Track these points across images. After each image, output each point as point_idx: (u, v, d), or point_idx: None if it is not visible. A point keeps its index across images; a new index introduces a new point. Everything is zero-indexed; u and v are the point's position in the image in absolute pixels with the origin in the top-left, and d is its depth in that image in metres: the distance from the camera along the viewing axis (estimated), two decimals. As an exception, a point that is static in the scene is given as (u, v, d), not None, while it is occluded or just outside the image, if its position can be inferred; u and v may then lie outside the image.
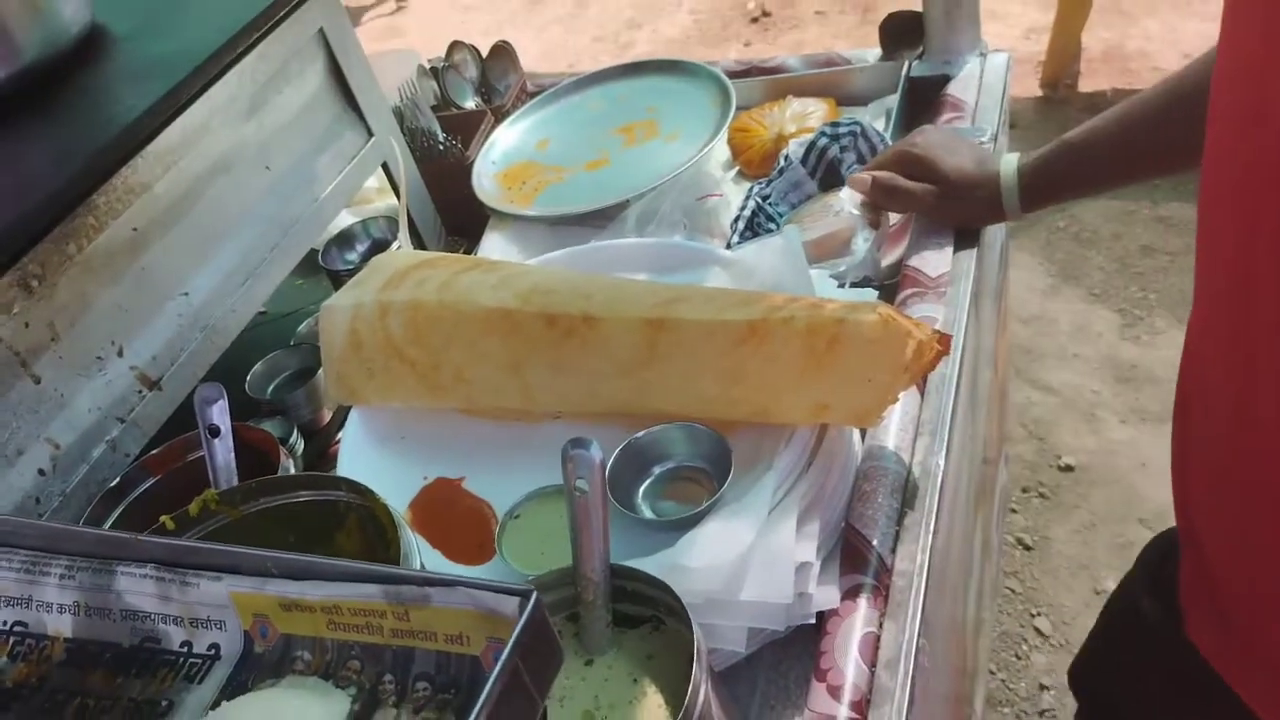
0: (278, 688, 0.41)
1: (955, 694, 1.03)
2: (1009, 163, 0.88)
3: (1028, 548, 1.86)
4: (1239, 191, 0.56)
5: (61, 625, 0.47)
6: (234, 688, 0.43)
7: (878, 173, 0.93)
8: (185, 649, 0.45)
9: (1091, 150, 0.85)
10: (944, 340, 0.66)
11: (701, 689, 0.51)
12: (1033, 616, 1.75)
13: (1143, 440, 2.01)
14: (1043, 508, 1.93)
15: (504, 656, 0.36)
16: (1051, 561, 1.83)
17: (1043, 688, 1.65)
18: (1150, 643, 0.81)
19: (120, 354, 0.76)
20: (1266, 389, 0.57)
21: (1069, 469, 1.98)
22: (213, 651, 0.44)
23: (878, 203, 0.94)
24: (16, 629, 0.47)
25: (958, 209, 0.91)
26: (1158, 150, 0.83)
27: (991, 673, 1.66)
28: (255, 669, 0.43)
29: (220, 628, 0.44)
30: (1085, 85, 2.98)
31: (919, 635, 0.65)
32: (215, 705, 0.42)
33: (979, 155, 0.91)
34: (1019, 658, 1.69)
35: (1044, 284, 2.42)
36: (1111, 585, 1.76)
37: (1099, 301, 2.34)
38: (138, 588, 0.45)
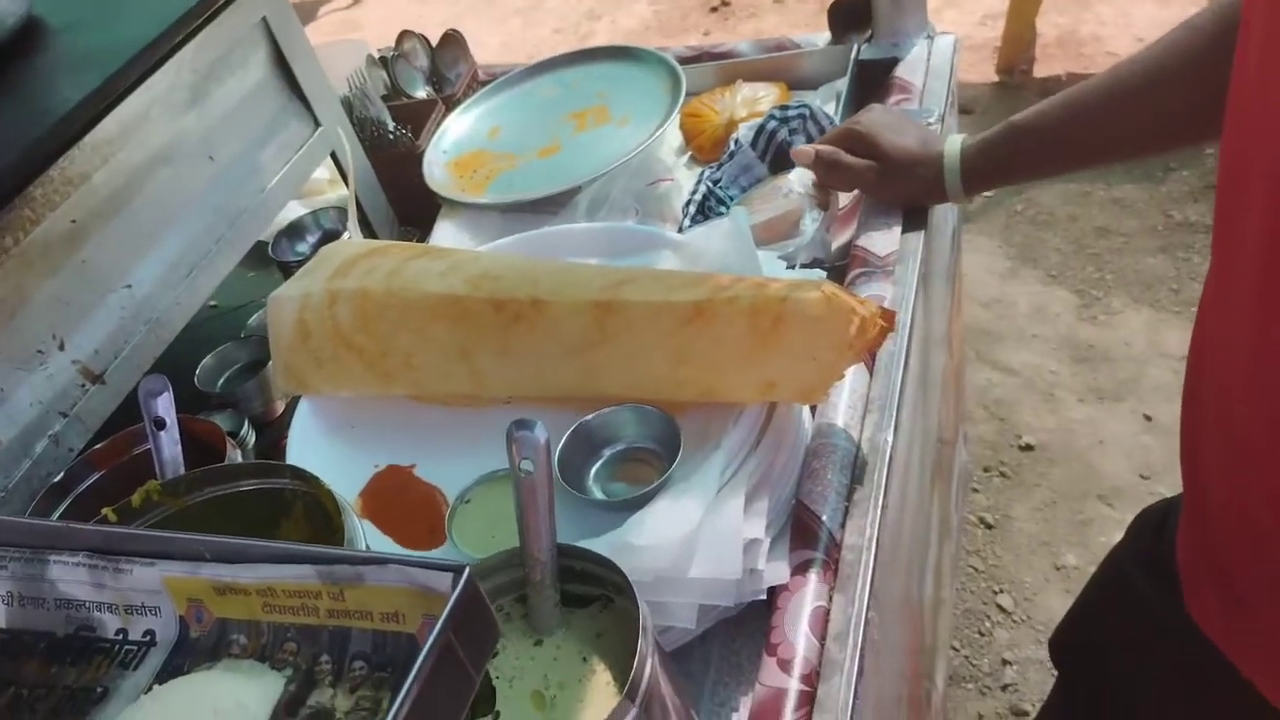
0: (213, 670, 0.41)
1: (913, 670, 1.04)
2: (953, 143, 0.88)
3: (989, 526, 1.88)
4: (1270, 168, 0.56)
5: (-6, 616, 0.46)
6: (169, 673, 0.42)
7: (821, 147, 0.94)
8: (120, 636, 0.44)
9: (1036, 135, 0.85)
10: (888, 317, 0.67)
11: (648, 662, 0.51)
12: (995, 594, 1.77)
13: (1100, 418, 2.03)
14: (1004, 486, 1.95)
15: (436, 631, 0.36)
16: (1013, 539, 1.86)
17: (1005, 663, 1.67)
18: (1141, 615, 0.82)
19: (61, 347, 0.75)
20: None
21: (1029, 448, 2.01)
22: (148, 638, 0.44)
23: (820, 178, 0.95)
24: (-51, 622, 0.47)
25: (898, 186, 0.92)
26: (1101, 139, 0.83)
27: (955, 649, 1.68)
28: (191, 654, 0.43)
29: (155, 614, 0.44)
30: (1040, 70, 3.01)
31: (868, 608, 0.65)
32: (149, 691, 0.41)
33: (924, 135, 0.91)
34: (981, 634, 1.71)
35: (1002, 267, 2.44)
36: (1072, 561, 1.79)
37: (1056, 283, 2.36)
38: (71, 576, 0.45)
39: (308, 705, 0.39)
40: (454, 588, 0.37)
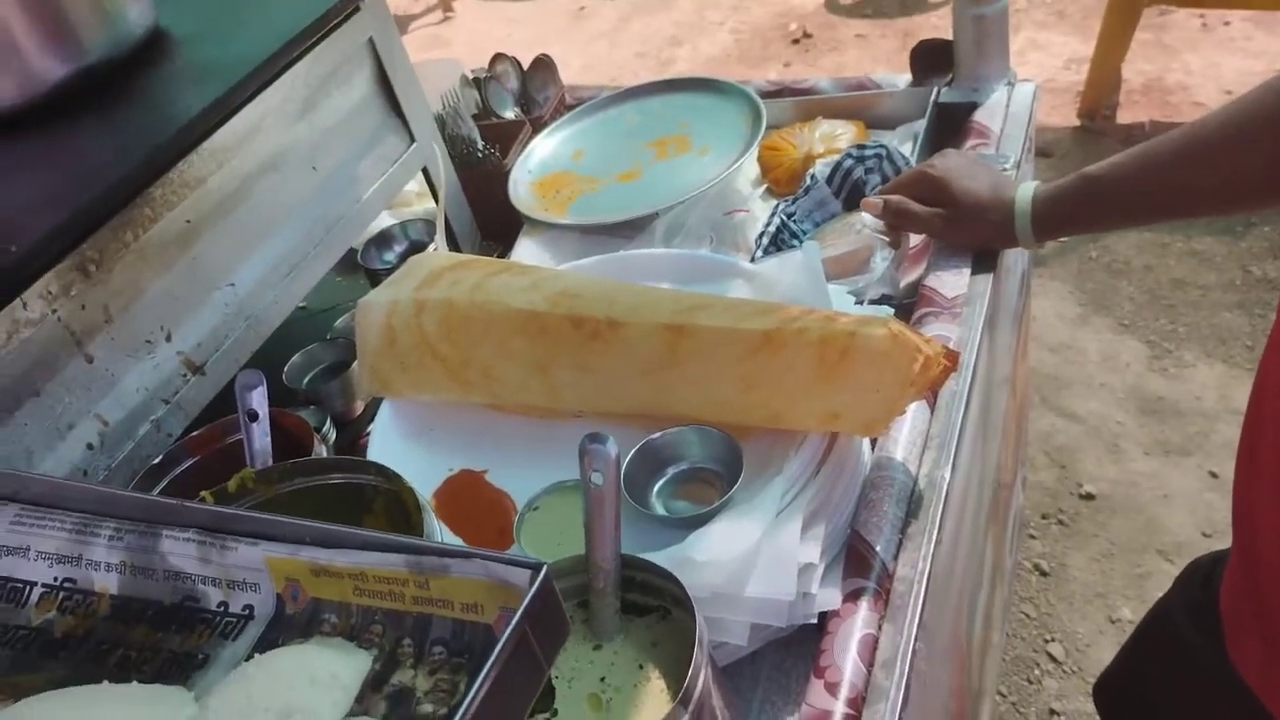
0: (308, 644, 0.44)
1: (958, 710, 1.05)
2: (1025, 190, 0.90)
3: (1044, 574, 1.87)
4: None
5: (108, 582, 0.50)
6: (265, 645, 0.46)
7: (889, 196, 0.96)
8: (222, 608, 0.48)
9: (1109, 187, 0.85)
10: (952, 357, 0.69)
11: (702, 673, 0.54)
12: (1046, 642, 1.75)
13: (1165, 472, 2.01)
14: (1061, 535, 1.94)
15: (514, 621, 0.39)
16: (1068, 588, 1.84)
17: (1053, 713, 1.65)
18: (1185, 663, 0.82)
19: (168, 339, 0.80)
20: None
21: (1089, 497, 1.99)
22: (247, 612, 0.48)
23: (889, 224, 0.97)
24: (66, 585, 0.51)
25: (967, 232, 0.93)
26: (1176, 194, 0.83)
27: (1002, 695, 1.67)
28: (286, 629, 0.46)
29: (255, 590, 0.48)
30: (1124, 117, 2.98)
31: (916, 639, 0.67)
32: (249, 659, 0.45)
33: (996, 181, 0.93)
34: (1030, 682, 1.70)
35: (1074, 313, 2.42)
36: (1128, 614, 1.77)
37: (1128, 332, 2.34)
38: (181, 550, 0.49)
39: (391, 683, 0.43)
40: (532, 583, 0.40)
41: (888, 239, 0.97)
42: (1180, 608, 0.85)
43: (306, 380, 0.99)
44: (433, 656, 0.43)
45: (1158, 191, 0.84)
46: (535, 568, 0.41)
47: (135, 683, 0.45)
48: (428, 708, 0.41)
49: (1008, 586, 1.55)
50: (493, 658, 0.38)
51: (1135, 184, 0.84)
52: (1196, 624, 0.81)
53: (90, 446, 0.74)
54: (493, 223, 1.18)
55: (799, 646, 0.71)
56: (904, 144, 1.15)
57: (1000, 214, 0.91)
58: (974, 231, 0.93)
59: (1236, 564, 0.75)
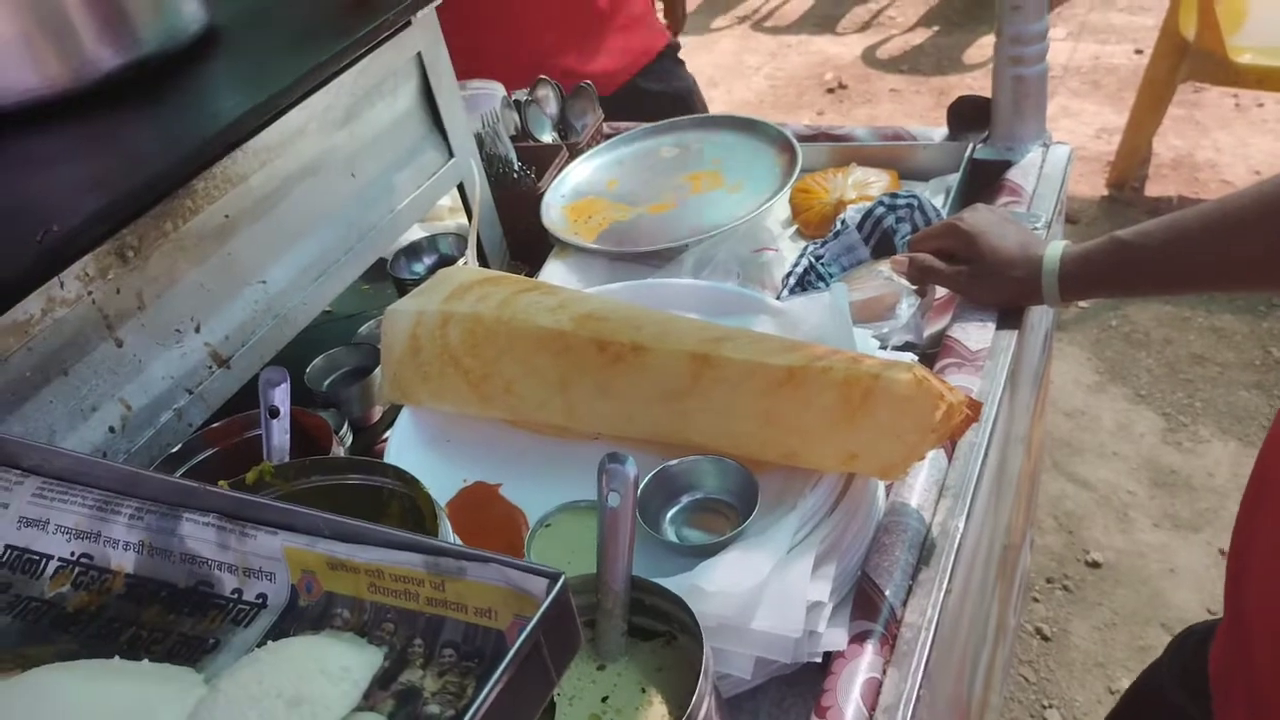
0: (320, 635, 0.44)
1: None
2: (1054, 249, 0.90)
3: (1046, 638, 1.85)
4: None
5: (125, 561, 0.51)
6: (277, 634, 0.46)
7: (916, 254, 0.97)
8: (236, 595, 0.48)
9: (1138, 253, 0.86)
10: (974, 407, 0.69)
11: (705, 701, 0.54)
12: (1044, 708, 1.74)
13: (1173, 546, 1.99)
14: (1065, 600, 1.92)
15: (529, 629, 0.39)
16: (1068, 655, 1.82)
17: (1046, 781, 1.63)
18: None
19: (197, 330, 0.81)
20: None
21: (1096, 565, 1.97)
22: (261, 600, 0.48)
23: (913, 280, 0.97)
24: (83, 560, 0.51)
25: (991, 288, 0.94)
26: (1203, 266, 0.84)
27: (995, 758, 1.65)
28: (298, 620, 0.47)
29: (270, 579, 0.48)
30: (1151, 189, 3.00)
31: (920, 686, 0.66)
32: (260, 646, 0.45)
33: (1025, 239, 0.94)
34: (1024, 747, 1.68)
35: (1090, 380, 2.42)
36: (1126, 685, 1.75)
37: (1144, 403, 2.33)
38: (200, 534, 0.49)
39: (399, 681, 0.43)
40: (549, 592, 0.41)
41: (914, 287, 0.97)
42: (1171, 672, 0.85)
43: (327, 383, 1.00)
44: (443, 658, 0.43)
45: (1186, 261, 0.84)
46: (554, 577, 0.41)
47: (146, 661, 0.45)
48: (434, 709, 0.41)
49: (1009, 647, 1.54)
50: (505, 663, 0.38)
51: (1165, 252, 0.85)
52: (1186, 688, 0.80)
53: (112, 429, 0.75)
54: (523, 243, 1.19)
55: (801, 686, 0.71)
56: (936, 196, 1.15)
57: (1027, 271, 0.91)
58: (999, 288, 0.94)
59: (1227, 631, 0.75)
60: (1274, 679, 0.67)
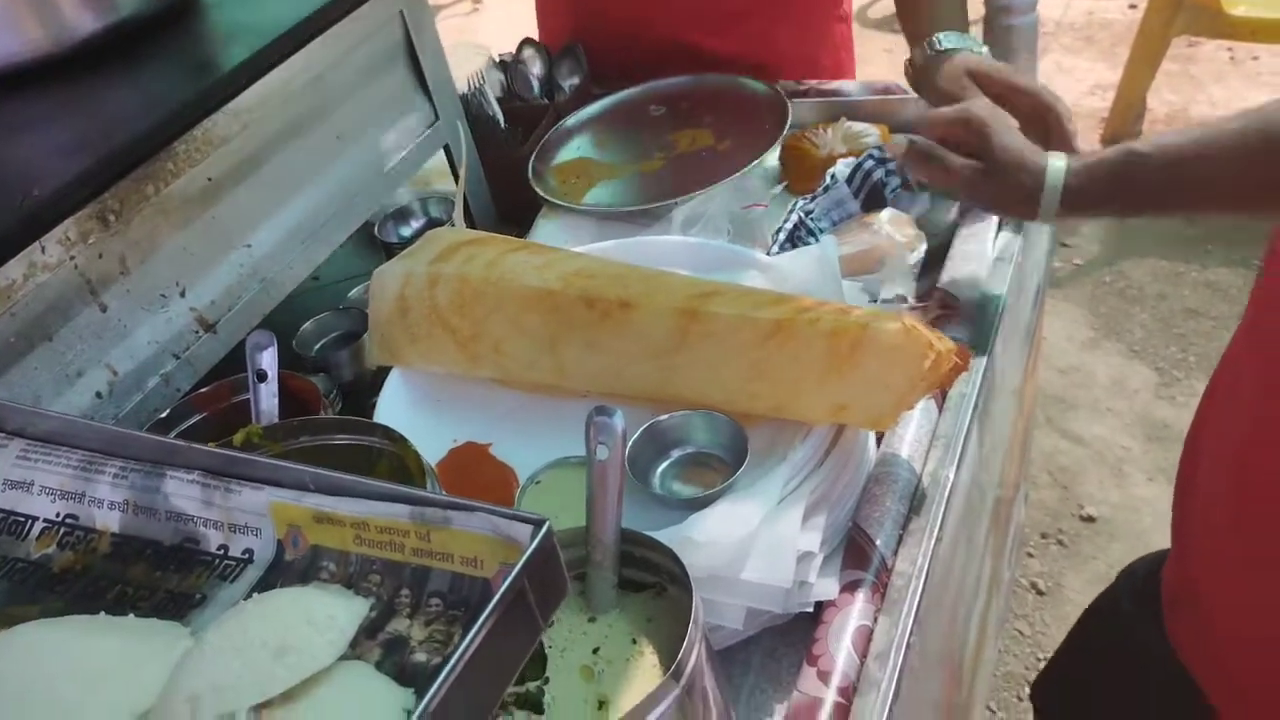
0: (307, 587, 0.44)
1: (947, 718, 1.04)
2: (1059, 158, 0.83)
3: (1040, 592, 1.86)
4: None
5: (110, 521, 0.51)
6: (263, 588, 0.46)
7: (917, 138, 0.88)
8: (222, 551, 0.48)
9: (1154, 165, 0.78)
10: (963, 355, 0.69)
11: (695, 649, 0.54)
12: (1038, 660, 1.75)
13: (1167, 499, 1.99)
14: (1060, 555, 1.93)
15: (513, 574, 0.39)
16: (1063, 609, 1.83)
17: (1041, 732, 1.65)
18: (1126, 640, 0.84)
19: (182, 295, 0.80)
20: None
21: (1090, 519, 1.98)
22: (247, 556, 0.48)
23: (911, 169, 0.90)
24: (67, 521, 0.51)
25: (996, 190, 0.85)
26: (1229, 186, 0.76)
27: (991, 710, 1.67)
28: (284, 574, 0.47)
29: (256, 534, 0.48)
30: (1146, 145, 2.98)
31: (911, 633, 0.67)
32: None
33: (1027, 143, 0.85)
34: (1020, 699, 1.69)
35: (1084, 336, 2.42)
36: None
37: (1138, 358, 2.34)
38: (184, 492, 0.49)
39: (385, 631, 0.43)
40: (533, 539, 0.41)
41: (905, 241, 0.97)
42: (1124, 591, 0.87)
43: (317, 348, 0.99)
44: (429, 607, 0.43)
45: (1211, 179, 0.76)
46: (538, 523, 0.41)
47: (132, 616, 0.45)
48: (421, 656, 0.41)
49: (1004, 601, 1.55)
50: (489, 608, 0.38)
51: (1185, 168, 0.76)
52: (1138, 604, 0.82)
53: (99, 395, 0.74)
54: (511, 204, 1.18)
55: (793, 636, 0.71)
56: (926, 150, 1.14)
57: (1032, 178, 0.82)
58: (1001, 192, 0.85)
59: (1174, 553, 0.76)
60: (1217, 604, 0.69)
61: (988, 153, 0.84)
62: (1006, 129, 0.85)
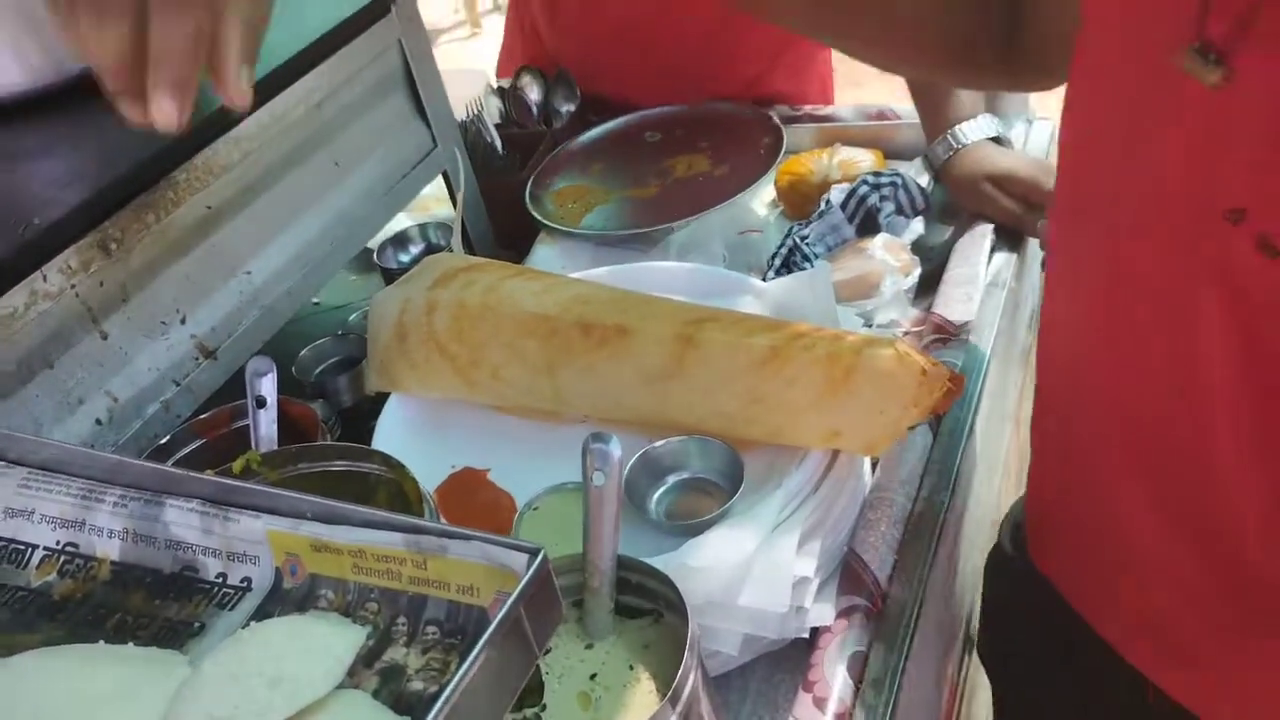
0: (304, 616, 0.45)
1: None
2: None
3: (1039, 616, 1.86)
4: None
5: (110, 549, 0.51)
6: (261, 617, 0.46)
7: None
8: (220, 579, 0.49)
9: None
10: (956, 380, 0.69)
11: (692, 674, 0.54)
12: (1038, 684, 1.74)
13: (1166, 521, 2.00)
14: (1058, 578, 1.93)
15: (509, 602, 0.40)
16: (1062, 632, 1.83)
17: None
18: (1008, 576, 0.87)
19: (183, 321, 0.81)
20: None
21: (1088, 542, 1.98)
22: (245, 584, 0.48)
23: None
24: (68, 549, 0.52)
25: None
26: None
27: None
28: (282, 603, 0.47)
29: (254, 563, 0.48)
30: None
31: (907, 659, 0.67)
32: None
33: None
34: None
35: (1081, 358, 2.42)
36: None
37: (1135, 380, 2.34)
38: (184, 520, 0.49)
39: (382, 659, 0.43)
40: (528, 567, 0.41)
41: (898, 266, 0.98)
42: (1005, 534, 0.88)
43: (316, 373, 1.00)
44: (426, 636, 0.44)
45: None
46: (533, 552, 0.41)
47: (131, 645, 0.45)
48: (418, 685, 0.42)
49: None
50: (486, 636, 0.39)
51: None
52: (1013, 540, 0.85)
53: (99, 422, 0.75)
54: (509, 230, 1.19)
55: (789, 663, 0.71)
56: (921, 176, 1.15)
57: None
58: None
59: (1032, 474, 0.80)
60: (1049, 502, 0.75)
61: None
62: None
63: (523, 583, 0.40)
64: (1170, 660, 0.68)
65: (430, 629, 0.44)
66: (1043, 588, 0.77)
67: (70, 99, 0.85)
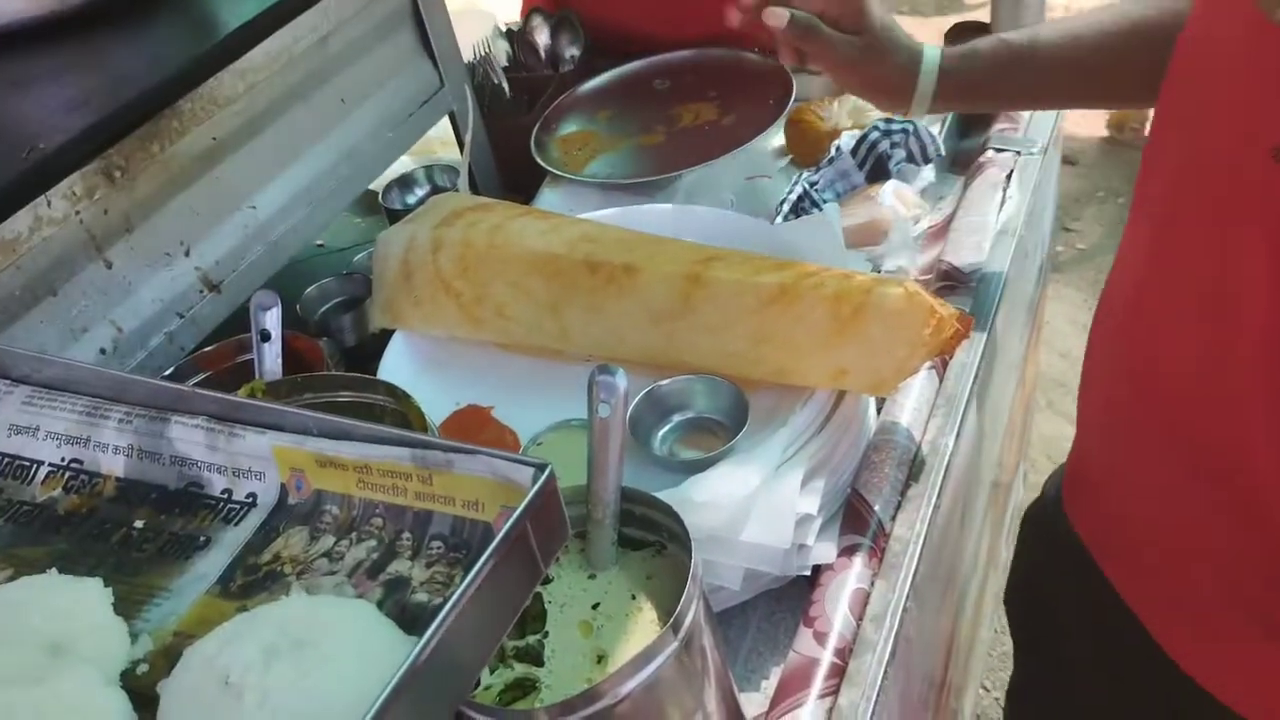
0: (315, 597, 0.44)
1: (939, 705, 1.04)
2: (932, 46, 0.84)
3: (1037, 575, 1.87)
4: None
5: (115, 465, 0.51)
6: (268, 531, 0.47)
7: (798, 11, 0.81)
8: (225, 495, 0.49)
9: (1029, 51, 0.79)
10: (965, 321, 0.69)
11: (694, 604, 0.54)
12: (1034, 641, 1.76)
13: (1166, 484, 2.00)
14: (1057, 538, 1.94)
15: (515, 515, 0.40)
16: (1060, 591, 1.84)
17: (1036, 712, 1.66)
18: (1047, 534, 0.87)
19: (187, 254, 0.80)
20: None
21: (1088, 503, 1.99)
22: (250, 499, 0.48)
23: (787, 42, 0.84)
24: (73, 465, 0.52)
25: (872, 70, 0.83)
26: (1100, 77, 0.79)
27: (986, 689, 1.67)
28: (287, 518, 0.47)
29: (259, 478, 0.48)
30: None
31: (908, 598, 0.67)
32: (249, 544, 0.46)
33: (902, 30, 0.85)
34: (1016, 679, 1.70)
35: (1087, 320, 2.40)
36: (1117, 621, 1.77)
37: (1139, 344, 2.33)
38: (189, 436, 0.49)
39: (387, 571, 0.43)
40: (534, 482, 0.41)
41: (908, 215, 0.97)
42: (1051, 494, 0.89)
43: (320, 312, 1.00)
44: (430, 550, 0.44)
45: (1081, 73, 0.79)
46: (540, 467, 0.41)
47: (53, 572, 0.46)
48: (422, 596, 0.42)
49: (1001, 580, 1.55)
50: (491, 549, 0.39)
51: (1058, 59, 0.79)
52: (1057, 496, 0.86)
53: (103, 351, 0.75)
54: (515, 174, 1.18)
55: (790, 601, 0.72)
56: (933, 124, 1.14)
57: (909, 60, 0.82)
58: (878, 73, 0.84)
59: (1075, 439, 0.82)
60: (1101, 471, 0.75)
61: (868, 29, 0.82)
62: (884, 13, 0.83)
63: (529, 496, 0.40)
64: (1191, 634, 0.67)
65: (435, 543, 0.44)
66: (1077, 550, 0.76)
67: (74, 26, 0.84)
